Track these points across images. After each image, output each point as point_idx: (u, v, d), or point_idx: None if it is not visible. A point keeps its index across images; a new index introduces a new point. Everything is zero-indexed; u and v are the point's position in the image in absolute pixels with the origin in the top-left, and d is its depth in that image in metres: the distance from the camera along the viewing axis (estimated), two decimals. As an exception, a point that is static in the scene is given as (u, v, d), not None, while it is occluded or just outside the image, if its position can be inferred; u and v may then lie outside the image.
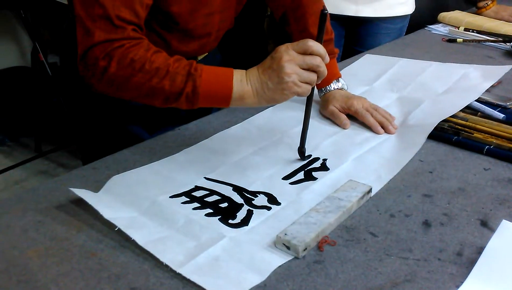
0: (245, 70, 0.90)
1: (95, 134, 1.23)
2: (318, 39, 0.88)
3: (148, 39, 1.06)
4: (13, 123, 2.84)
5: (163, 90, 0.88)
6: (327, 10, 0.87)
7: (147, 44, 0.90)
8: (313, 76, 0.87)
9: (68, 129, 2.61)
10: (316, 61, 0.86)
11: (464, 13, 2.01)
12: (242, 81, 0.89)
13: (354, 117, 1.15)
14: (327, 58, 0.88)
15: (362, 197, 0.86)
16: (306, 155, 1.01)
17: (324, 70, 0.87)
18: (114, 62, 0.87)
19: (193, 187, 0.90)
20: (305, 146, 1.00)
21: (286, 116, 1.17)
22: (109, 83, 0.90)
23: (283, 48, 0.87)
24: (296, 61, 0.85)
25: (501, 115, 1.15)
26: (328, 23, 1.22)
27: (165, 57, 0.89)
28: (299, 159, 0.99)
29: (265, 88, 0.88)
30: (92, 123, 1.21)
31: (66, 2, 2.11)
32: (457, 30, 1.84)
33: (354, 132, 1.12)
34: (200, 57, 1.20)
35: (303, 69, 0.86)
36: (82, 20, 0.88)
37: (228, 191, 0.89)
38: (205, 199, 0.86)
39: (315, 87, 1.22)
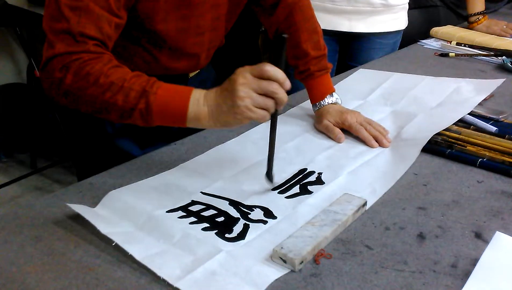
0: (205, 90, 0.88)
1: (86, 150, 1.23)
2: (276, 63, 0.83)
3: (138, 56, 1.07)
4: (8, 139, 2.84)
5: (116, 105, 0.86)
6: (286, 34, 0.85)
7: (108, 59, 0.89)
8: (269, 102, 0.83)
9: (64, 145, 2.61)
10: (272, 86, 0.81)
11: (456, 27, 2.04)
12: (199, 101, 0.85)
13: (348, 131, 1.16)
14: (287, 85, 0.83)
15: (357, 210, 0.87)
16: (300, 169, 1.01)
17: (282, 96, 0.82)
18: (70, 74, 0.86)
19: (190, 201, 0.90)
20: (295, 164, 0.99)
21: (281, 131, 1.17)
22: (64, 94, 0.89)
23: (240, 70, 0.83)
24: (250, 85, 0.82)
25: (493, 128, 1.17)
26: (321, 39, 1.24)
27: (124, 72, 0.87)
28: (294, 173, 1.00)
29: (219, 110, 0.85)
30: (83, 138, 1.21)
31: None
32: (449, 44, 1.86)
33: (349, 146, 1.13)
34: (192, 74, 1.21)
35: (259, 94, 0.82)
36: (47, 33, 0.89)
37: (224, 206, 0.89)
38: (201, 214, 0.87)
39: (309, 103, 1.24)
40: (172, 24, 1.02)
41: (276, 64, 0.83)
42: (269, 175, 0.94)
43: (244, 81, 0.82)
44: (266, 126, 1.19)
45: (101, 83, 0.85)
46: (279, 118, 1.25)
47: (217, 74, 1.40)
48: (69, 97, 0.89)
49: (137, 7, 0.96)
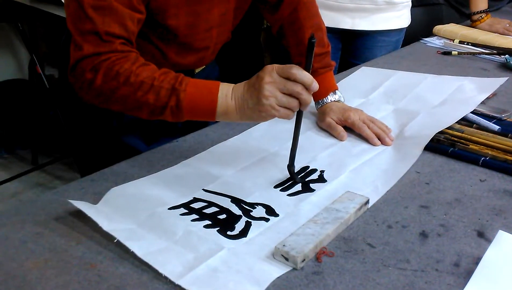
0: (233, 85, 0.90)
1: (91, 146, 1.23)
2: (306, 67, 0.86)
3: (146, 51, 1.07)
4: (9, 135, 2.84)
5: (148, 103, 0.89)
6: (315, 39, 0.85)
7: (135, 57, 0.91)
8: (293, 102, 0.85)
9: (65, 142, 2.61)
10: (297, 88, 0.84)
11: (458, 26, 2.03)
12: (227, 96, 0.89)
13: (351, 129, 1.16)
14: (314, 87, 0.85)
15: (359, 209, 0.87)
16: (303, 166, 1.01)
17: (306, 98, 0.85)
18: (100, 74, 0.88)
19: (192, 199, 0.90)
20: (297, 162, 0.99)
21: (283, 128, 1.18)
22: (96, 95, 0.91)
23: (268, 68, 0.86)
24: (277, 84, 0.84)
25: (496, 127, 1.16)
26: (325, 36, 1.24)
27: (152, 70, 0.90)
28: (296, 170, 1.00)
29: (245, 106, 0.88)
30: (89, 135, 1.21)
31: (63, 15, 2.13)
32: (452, 42, 1.85)
33: (351, 144, 1.12)
34: (197, 70, 1.21)
35: (284, 93, 0.85)
36: (73, 35, 0.90)
37: (226, 203, 0.89)
38: (203, 211, 0.87)
39: (312, 100, 1.23)
40: (183, 19, 1.02)
41: (305, 67, 0.86)
42: (290, 169, 0.96)
43: (271, 80, 0.84)
44: (268, 124, 1.19)
45: (132, 83, 0.88)
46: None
47: (220, 70, 1.40)
48: (101, 97, 0.91)
49: (150, 3, 0.96)
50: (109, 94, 0.90)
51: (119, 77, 0.88)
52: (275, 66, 0.86)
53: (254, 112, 0.87)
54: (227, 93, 0.89)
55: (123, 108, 0.92)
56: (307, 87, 0.85)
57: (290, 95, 0.85)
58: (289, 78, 0.84)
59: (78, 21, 0.89)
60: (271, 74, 0.85)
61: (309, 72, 0.85)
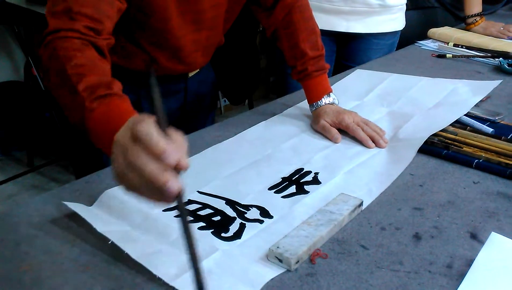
0: (129, 122, 0.65)
1: (87, 148, 1.23)
2: (153, 109, 0.58)
3: (137, 56, 1.07)
4: (5, 137, 2.84)
5: (63, 101, 0.79)
6: (153, 69, 0.58)
7: (88, 47, 0.81)
8: (139, 181, 0.58)
9: (61, 144, 2.61)
10: (138, 157, 0.58)
11: (453, 29, 2.04)
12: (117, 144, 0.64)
13: (345, 132, 1.16)
14: (168, 158, 0.56)
15: (353, 210, 0.87)
16: (297, 168, 1.02)
17: (155, 174, 0.56)
18: (47, 50, 0.82)
19: (186, 200, 0.90)
20: (292, 164, 0.97)
21: (277, 131, 1.18)
22: (44, 74, 0.84)
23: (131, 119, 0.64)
24: (122, 146, 0.61)
25: (489, 130, 1.17)
26: (319, 39, 1.24)
27: (89, 70, 0.78)
28: (290, 173, 1.00)
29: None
30: (84, 137, 1.22)
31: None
32: (446, 45, 1.87)
33: (345, 146, 1.13)
34: (191, 74, 1.22)
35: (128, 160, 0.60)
36: (46, 18, 0.86)
37: (221, 205, 0.89)
38: (198, 213, 0.87)
39: (307, 103, 1.24)
40: (174, 21, 1.03)
41: (155, 111, 0.58)
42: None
43: (120, 138, 0.62)
44: (263, 126, 1.20)
45: (63, 72, 0.78)
46: (276, 118, 1.26)
47: (216, 74, 1.40)
48: (45, 76, 0.83)
49: (140, 1, 0.96)
50: (48, 73, 0.81)
51: (57, 61, 0.79)
52: (135, 117, 0.64)
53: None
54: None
55: (55, 96, 0.81)
56: (156, 156, 0.57)
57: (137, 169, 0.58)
58: (136, 141, 0.59)
59: (53, 5, 0.86)
60: (124, 129, 0.63)
61: (161, 121, 0.58)
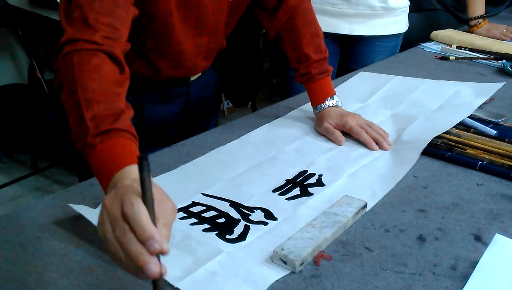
0: (121, 182, 0.65)
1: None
2: (145, 199, 0.58)
3: (139, 64, 1.07)
4: (9, 139, 2.84)
5: (71, 124, 0.76)
6: (146, 157, 0.56)
7: (108, 68, 0.80)
8: (126, 263, 0.59)
9: (64, 146, 2.61)
10: (126, 242, 0.58)
11: (456, 31, 2.04)
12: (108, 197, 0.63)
13: (348, 134, 1.16)
14: (153, 247, 0.56)
15: (357, 212, 0.87)
16: (301, 171, 1.02)
17: (143, 261, 0.57)
18: (61, 61, 0.80)
19: (190, 202, 0.90)
20: (295, 167, 0.98)
21: (281, 133, 1.19)
22: (56, 82, 0.81)
23: (108, 200, 0.61)
24: (110, 217, 0.60)
25: (493, 132, 1.17)
26: (322, 42, 1.24)
27: (101, 93, 0.76)
28: (294, 175, 1.00)
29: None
30: None
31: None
32: (449, 48, 1.86)
33: (349, 149, 1.13)
34: (193, 78, 1.22)
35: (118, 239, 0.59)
36: (62, 25, 0.84)
37: (225, 207, 0.90)
38: (202, 215, 0.87)
39: (310, 106, 1.24)
40: (176, 25, 1.03)
41: (144, 199, 0.58)
42: None
43: (108, 214, 0.60)
44: (266, 129, 1.20)
45: (74, 93, 0.76)
46: (279, 120, 1.27)
47: (218, 76, 1.41)
48: (58, 90, 0.81)
49: (145, 7, 0.96)
50: (61, 86, 0.79)
51: (72, 78, 0.77)
52: (118, 194, 0.61)
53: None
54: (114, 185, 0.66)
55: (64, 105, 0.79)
56: (142, 242, 0.57)
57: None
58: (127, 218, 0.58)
59: (66, 10, 0.84)
60: (106, 214, 0.60)
61: (150, 206, 0.58)
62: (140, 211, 0.57)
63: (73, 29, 0.81)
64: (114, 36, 0.84)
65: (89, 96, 0.75)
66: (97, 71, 0.78)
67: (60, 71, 0.80)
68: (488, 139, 1.13)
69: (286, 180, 0.99)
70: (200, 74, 1.23)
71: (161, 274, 0.58)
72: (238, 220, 0.86)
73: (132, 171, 0.67)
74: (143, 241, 0.56)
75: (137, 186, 0.59)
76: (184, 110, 1.28)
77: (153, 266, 0.56)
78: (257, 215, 0.88)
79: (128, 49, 0.89)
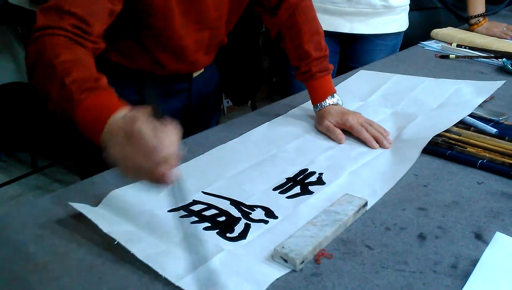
0: (121, 122, 0.71)
1: (91, 149, 1.24)
2: (156, 113, 0.67)
3: (141, 58, 1.08)
4: (9, 138, 2.84)
5: (50, 95, 0.80)
6: (150, 85, 0.69)
7: (79, 50, 0.84)
8: (140, 174, 0.68)
9: (64, 145, 2.61)
10: (135, 156, 0.65)
11: (456, 29, 2.04)
12: (111, 134, 0.72)
13: (349, 132, 1.16)
14: (159, 154, 0.65)
15: (358, 211, 0.87)
16: (301, 169, 1.02)
17: (151, 170, 0.65)
18: (34, 47, 0.83)
19: (191, 201, 0.91)
20: (296, 165, 1.00)
21: (282, 131, 1.19)
22: (28, 70, 0.85)
23: (117, 124, 0.70)
24: (122, 151, 0.68)
25: (493, 130, 1.17)
26: (323, 40, 1.24)
27: (77, 66, 0.80)
28: (295, 173, 1.00)
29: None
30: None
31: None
32: (449, 46, 1.86)
33: (350, 147, 1.13)
34: (195, 74, 1.22)
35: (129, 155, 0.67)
36: (36, 12, 0.87)
37: (225, 205, 0.90)
38: (203, 213, 0.87)
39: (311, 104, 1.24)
40: (177, 20, 1.03)
41: (155, 114, 0.67)
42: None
43: (115, 144, 0.68)
44: (267, 127, 1.20)
45: (49, 65, 0.80)
46: (280, 119, 1.27)
47: (220, 74, 1.41)
48: (30, 74, 0.84)
49: (139, 2, 0.97)
50: (32, 68, 0.83)
51: (45, 56, 0.81)
52: (126, 119, 0.69)
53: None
54: (110, 132, 0.72)
55: (39, 90, 0.83)
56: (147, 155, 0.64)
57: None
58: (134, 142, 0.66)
59: (45, 2, 0.87)
60: (117, 136, 0.68)
61: (155, 113, 0.66)
62: (143, 126, 0.64)
63: (44, 17, 0.85)
64: (84, 28, 0.87)
65: (67, 66, 0.79)
66: (69, 48, 0.83)
67: (32, 53, 0.83)
68: (489, 137, 1.14)
69: (286, 178, 0.99)
70: (202, 70, 1.23)
71: (176, 180, 0.66)
72: (239, 219, 0.86)
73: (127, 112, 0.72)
74: (149, 153, 0.63)
75: (138, 114, 0.66)
76: (186, 106, 1.28)
77: (169, 174, 0.65)
78: (258, 214, 0.88)
79: (101, 49, 0.91)
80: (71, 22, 0.85)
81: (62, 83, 0.78)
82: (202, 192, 0.93)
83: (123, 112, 0.73)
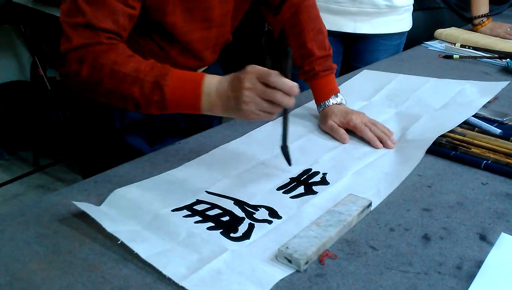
0: (217, 79, 0.89)
1: (94, 147, 1.23)
2: (284, 73, 0.84)
3: (150, 51, 1.08)
4: (11, 137, 2.84)
5: (133, 96, 0.89)
6: (290, 48, 0.86)
7: (122, 48, 0.91)
8: (273, 108, 0.86)
9: (66, 144, 2.62)
10: (276, 96, 0.84)
11: (460, 30, 2.04)
12: (210, 94, 0.88)
13: (353, 132, 1.16)
14: (294, 91, 0.84)
15: (362, 211, 0.87)
16: (305, 169, 1.02)
17: (287, 103, 0.85)
18: (86, 66, 0.89)
19: (195, 200, 0.90)
20: (299, 165, 1.01)
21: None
22: (83, 86, 0.92)
23: (249, 71, 0.85)
24: (256, 91, 0.84)
25: (498, 131, 1.17)
26: (326, 40, 1.24)
27: (137, 62, 0.89)
28: (298, 173, 1.00)
29: (228, 105, 0.87)
30: (92, 136, 1.22)
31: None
32: (453, 46, 1.86)
33: (353, 147, 1.13)
34: (200, 71, 1.21)
35: (264, 99, 0.85)
36: (64, 28, 0.91)
37: (229, 205, 0.89)
38: (206, 213, 0.87)
39: (314, 103, 1.24)
40: (179, 16, 1.03)
41: (283, 73, 0.85)
42: (284, 151, 0.95)
43: (250, 86, 0.84)
44: (271, 127, 1.20)
45: (116, 75, 0.88)
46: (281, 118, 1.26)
47: (223, 71, 1.40)
48: (87, 88, 0.92)
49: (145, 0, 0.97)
50: (94, 86, 0.90)
51: (104, 69, 0.88)
52: (255, 70, 0.85)
53: (235, 113, 0.88)
54: (209, 91, 0.88)
55: (109, 100, 0.92)
56: (286, 93, 0.84)
57: (270, 101, 0.85)
58: (268, 85, 0.84)
59: (70, 15, 0.90)
60: (250, 80, 0.84)
61: (288, 78, 0.85)
62: (277, 76, 0.84)
63: (78, 35, 0.89)
64: (117, 38, 0.92)
65: (132, 66, 0.88)
66: (119, 52, 0.90)
67: (86, 72, 0.89)
68: (493, 138, 1.13)
69: (290, 178, 0.99)
70: (206, 67, 1.23)
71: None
72: (243, 219, 0.86)
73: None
74: (287, 89, 0.83)
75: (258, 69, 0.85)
76: None
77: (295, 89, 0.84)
78: (262, 214, 0.88)
79: None
80: (105, 36, 0.90)
81: (140, 80, 0.87)
82: (206, 191, 0.93)
83: (213, 78, 0.88)
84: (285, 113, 0.91)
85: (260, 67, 0.85)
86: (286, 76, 0.85)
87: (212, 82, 0.88)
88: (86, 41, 0.89)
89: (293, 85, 0.84)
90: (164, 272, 0.72)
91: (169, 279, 0.71)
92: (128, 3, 0.93)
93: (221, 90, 0.87)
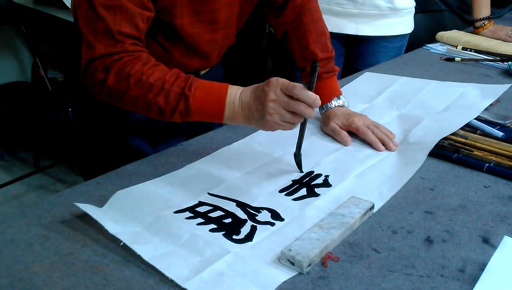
0: (240, 90, 0.92)
1: (96, 148, 1.23)
2: (309, 87, 0.88)
3: (153, 52, 1.08)
4: (12, 137, 2.84)
5: (158, 105, 0.91)
6: (318, 63, 0.88)
7: (146, 57, 0.93)
8: (295, 119, 0.89)
9: (67, 144, 2.61)
10: (300, 108, 0.87)
11: (461, 32, 2.03)
12: (234, 103, 0.91)
13: (355, 134, 1.16)
14: (317, 103, 0.87)
15: (364, 214, 0.87)
16: (307, 171, 1.02)
17: (310, 114, 0.88)
18: (112, 74, 0.90)
19: (197, 202, 0.90)
20: (305, 160, 1.02)
21: (287, 134, 1.18)
22: (107, 94, 0.93)
23: (273, 83, 0.87)
24: (280, 102, 0.87)
25: (500, 133, 1.17)
26: (328, 42, 1.24)
27: (162, 72, 0.91)
28: (301, 175, 1.00)
29: (251, 116, 0.90)
30: (95, 137, 1.22)
31: (66, 18, 2.13)
32: (455, 49, 1.86)
33: (355, 149, 1.13)
34: (202, 72, 1.21)
35: (287, 110, 0.87)
36: (85, 35, 0.92)
37: (231, 207, 0.89)
38: (209, 215, 0.87)
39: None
40: (187, 18, 1.03)
41: (308, 87, 0.88)
42: (297, 159, 1.01)
43: (274, 98, 0.86)
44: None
45: (142, 84, 0.90)
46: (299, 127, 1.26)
47: (225, 72, 1.40)
48: (112, 96, 0.93)
49: (157, 1, 0.97)
50: (120, 94, 0.92)
51: (130, 78, 0.90)
52: (280, 82, 0.87)
53: (259, 123, 0.90)
54: (234, 100, 0.91)
55: (134, 108, 0.94)
56: (309, 105, 0.87)
57: (293, 112, 0.87)
58: (292, 97, 0.87)
59: (90, 21, 0.91)
60: (275, 91, 0.87)
61: (312, 91, 0.88)
62: (301, 88, 0.86)
63: (101, 43, 0.91)
64: (138, 43, 0.94)
65: (158, 76, 0.90)
66: (144, 62, 0.91)
67: (112, 80, 0.91)
68: (495, 140, 1.13)
69: (292, 180, 0.99)
70: (209, 68, 1.23)
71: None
72: (245, 221, 0.86)
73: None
74: (311, 102, 0.86)
75: (275, 82, 0.87)
76: None
77: (318, 102, 0.87)
78: (264, 216, 0.87)
79: None
80: (129, 42, 0.92)
81: (166, 90, 0.90)
82: (208, 193, 0.93)
83: (237, 89, 0.92)
84: (303, 124, 0.96)
85: (284, 79, 0.88)
86: (311, 89, 0.87)
87: (236, 93, 0.91)
88: (110, 49, 0.90)
89: (316, 98, 0.87)
90: (167, 274, 0.72)
91: (172, 281, 0.71)
92: (145, 5, 0.94)
93: (244, 101, 0.90)
